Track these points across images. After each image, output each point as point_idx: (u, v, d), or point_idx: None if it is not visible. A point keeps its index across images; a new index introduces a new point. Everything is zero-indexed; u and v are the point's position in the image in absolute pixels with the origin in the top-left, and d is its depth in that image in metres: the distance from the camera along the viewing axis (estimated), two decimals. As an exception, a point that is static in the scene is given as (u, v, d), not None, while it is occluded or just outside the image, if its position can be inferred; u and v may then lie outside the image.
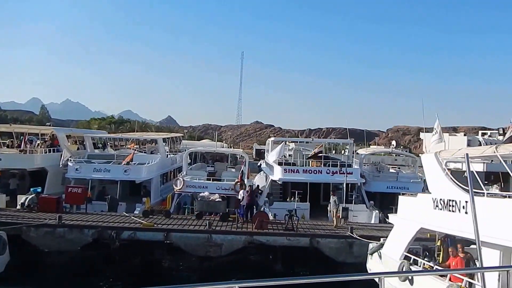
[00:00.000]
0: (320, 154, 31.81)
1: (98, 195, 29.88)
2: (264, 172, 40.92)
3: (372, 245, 18.17)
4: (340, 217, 24.80)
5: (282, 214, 25.30)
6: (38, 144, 34.06)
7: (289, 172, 29.57)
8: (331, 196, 25.67)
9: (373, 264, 17.52)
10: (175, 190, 28.62)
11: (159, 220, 24.09)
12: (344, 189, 27.03)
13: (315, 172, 29.54)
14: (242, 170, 29.87)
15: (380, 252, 16.94)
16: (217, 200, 25.77)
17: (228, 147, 75.91)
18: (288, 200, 29.26)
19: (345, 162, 30.14)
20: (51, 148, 33.24)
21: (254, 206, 25.80)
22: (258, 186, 30.39)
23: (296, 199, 27.27)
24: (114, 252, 21.28)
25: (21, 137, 35.47)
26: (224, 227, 23.23)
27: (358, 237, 21.02)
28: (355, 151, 39.72)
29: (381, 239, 17.81)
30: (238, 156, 59.96)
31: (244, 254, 22.38)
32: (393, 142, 44.99)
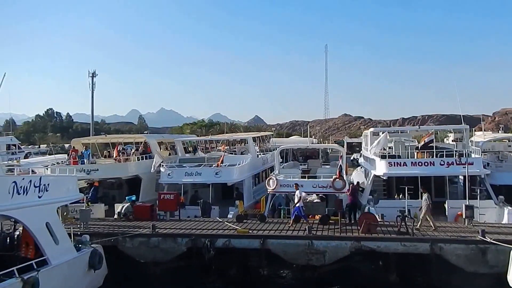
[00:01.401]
0: (431, 144, 28.01)
1: (191, 200, 29.23)
2: (362, 167, 37.86)
3: None
4: (464, 217, 21.22)
5: (391, 215, 22.37)
6: (133, 152, 34.22)
7: (395, 165, 26.30)
8: (422, 194, 22.08)
9: None
10: (268, 190, 26.50)
11: (254, 225, 22.42)
12: (467, 182, 23.21)
13: (426, 164, 25.93)
14: (340, 165, 26.99)
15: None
16: (315, 201, 23.31)
17: (317, 142, 73.23)
18: (396, 197, 25.98)
19: (462, 151, 26.12)
20: (144, 155, 33.32)
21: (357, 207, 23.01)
22: (358, 183, 27.41)
23: (406, 196, 23.97)
24: (209, 261, 19.99)
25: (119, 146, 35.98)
26: (326, 231, 20.79)
27: (494, 241, 17.46)
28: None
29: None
30: (328, 151, 57.30)
31: (351, 263, 19.56)
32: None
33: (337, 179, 24.99)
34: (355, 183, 27.19)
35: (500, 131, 45.50)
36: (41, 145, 77.96)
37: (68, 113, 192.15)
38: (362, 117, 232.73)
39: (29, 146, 76.52)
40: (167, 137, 44.79)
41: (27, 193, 15.05)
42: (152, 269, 20.16)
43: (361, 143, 59.05)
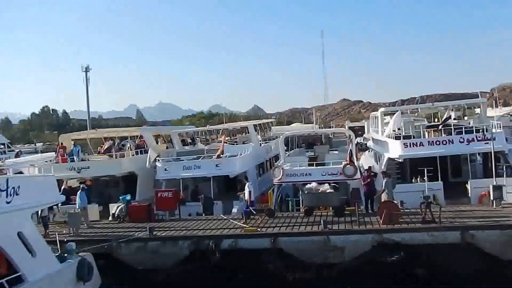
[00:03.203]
0: (449, 121, 25.99)
1: (192, 195, 27.48)
2: (371, 151, 35.92)
3: None
4: (492, 198, 19.28)
5: (411, 200, 20.44)
6: (129, 147, 32.27)
7: (411, 146, 24.28)
8: (384, 179, 20.42)
9: None
10: (274, 181, 24.61)
11: (262, 221, 20.61)
12: (493, 159, 21.22)
13: (444, 142, 23.91)
14: (351, 150, 24.99)
15: None
16: (328, 191, 21.38)
17: (319, 128, 71.64)
18: (413, 181, 24.07)
19: (481, 127, 24.09)
20: (140, 150, 31.47)
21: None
22: (370, 168, 25.48)
23: (425, 178, 22.04)
24: (215, 265, 18.21)
25: (111, 141, 34.12)
26: (343, 224, 18.90)
27: None
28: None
29: None
30: (331, 136, 55.31)
31: (373, 257, 17.50)
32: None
33: (347, 165, 23.08)
34: (366, 168, 25.27)
35: (499, 107, 43.52)
36: (37, 143, 76.36)
37: (64, 110, 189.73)
38: (361, 101, 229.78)
39: (25, 145, 74.92)
40: (164, 129, 42.64)
41: None
42: (152, 277, 18.47)
43: (363, 126, 57.32)
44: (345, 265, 17.40)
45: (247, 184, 21.42)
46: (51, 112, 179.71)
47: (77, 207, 22.54)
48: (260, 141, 34.59)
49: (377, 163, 29.58)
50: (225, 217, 22.01)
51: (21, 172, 19.00)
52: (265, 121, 46.76)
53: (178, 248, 18.70)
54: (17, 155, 46.11)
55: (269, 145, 35.45)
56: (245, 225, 19.81)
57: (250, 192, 21.19)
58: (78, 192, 22.96)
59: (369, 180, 21.75)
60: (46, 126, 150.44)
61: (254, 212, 21.49)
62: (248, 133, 34.68)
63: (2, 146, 50.22)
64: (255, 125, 35.81)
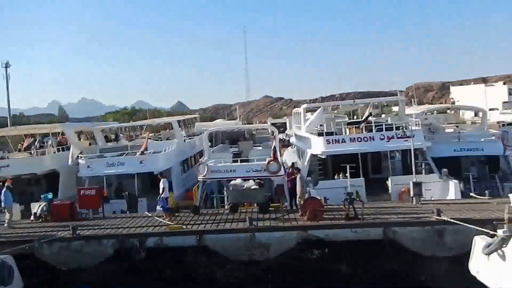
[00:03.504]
0: (370, 118, 26.77)
1: (116, 193, 26.97)
2: (294, 147, 36.40)
3: (481, 238, 13.38)
4: (412, 195, 20.07)
5: (334, 197, 20.85)
6: (51, 144, 31.22)
7: (333, 142, 24.85)
8: (298, 175, 20.76)
9: (489, 269, 12.59)
10: (199, 177, 24.26)
11: (187, 219, 20.30)
12: (412, 156, 22.11)
13: (365, 139, 24.63)
14: (274, 146, 25.14)
15: (503, 252, 12.01)
16: (253, 187, 21.32)
17: (242, 124, 72.05)
18: (335, 177, 24.60)
19: (401, 124, 25.01)
20: (62, 147, 30.52)
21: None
22: (293, 164, 25.80)
23: (347, 175, 22.58)
24: (140, 264, 17.72)
25: (32, 138, 33.13)
26: (268, 221, 18.89)
27: (451, 220, 16.15)
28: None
29: (499, 230, 12.58)
30: (254, 132, 55.63)
31: (297, 254, 17.77)
32: (452, 97, 38.81)
33: (271, 162, 23.27)
34: (289, 164, 25.55)
35: (414, 105, 45.89)
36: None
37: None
38: (283, 98, 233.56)
39: None
40: (85, 125, 41.34)
41: None
42: (76, 277, 17.83)
43: (285, 123, 58.14)
44: (270, 262, 17.44)
45: (161, 180, 20.90)
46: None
47: (2, 206, 21.47)
48: (184, 137, 34.12)
49: (300, 159, 30.00)
50: (150, 215, 21.43)
51: None
52: (188, 117, 46.29)
53: (102, 247, 18.04)
54: None
55: (193, 141, 35.05)
56: (170, 223, 19.30)
57: (163, 188, 20.67)
58: (3, 191, 21.52)
59: (293, 176, 21.93)
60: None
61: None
62: (172, 129, 34.08)
63: None
64: (179, 121, 35.31)
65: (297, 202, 20.31)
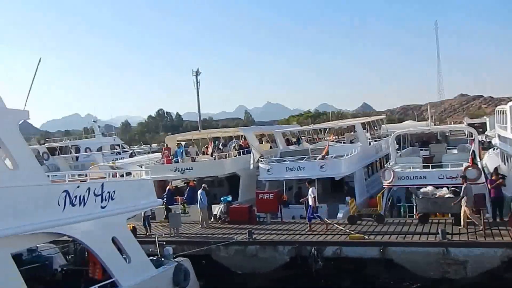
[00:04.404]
0: None
1: (295, 197, 26.26)
2: (496, 149, 32.01)
3: None
4: None
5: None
6: (234, 147, 32.02)
7: None
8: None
9: None
10: (384, 184, 22.56)
11: (370, 228, 18.92)
12: None
13: None
14: (473, 150, 22.13)
15: None
16: (446, 196, 18.87)
17: (434, 125, 67.26)
18: None
19: None
20: (242, 151, 30.90)
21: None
22: (496, 169, 22.37)
23: None
24: (317, 273, 16.87)
25: (216, 142, 34.24)
26: (465, 235, 16.46)
27: None
28: None
29: None
30: (447, 134, 50.97)
31: (502, 275, 15.00)
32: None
33: (469, 167, 20.43)
34: (490, 169, 22.18)
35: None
36: (152, 144, 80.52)
37: (177, 112, 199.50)
38: (482, 96, 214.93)
39: (142, 146, 79.12)
40: (267, 129, 41.63)
41: (84, 204, 12.39)
42: (251, 281, 17.74)
43: (484, 123, 52.18)
44: (467, 282, 15.13)
45: (310, 189, 19.75)
46: (165, 114, 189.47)
47: (198, 207, 22.69)
48: (369, 139, 32.46)
49: (504, 163, 26.09)
50: (330, 222, 20.41)
51: (129, 173, 19.07)
52: (373, 118, 44.29)
53: (278, 253, 17.81)
54: (131, 156, 48.26)
55: (379, 144, 33.19)
56: (351, 232, 18.08)
57: (314, 197, 19.63)
58: (199, 192, 22.88)
59: (497, 183, 18.83)
60: (161, 128, 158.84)
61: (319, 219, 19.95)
62: (356, 131, 32.66)
63: (117, 147, 52.79)
64: (363, 123, 33.71)
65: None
